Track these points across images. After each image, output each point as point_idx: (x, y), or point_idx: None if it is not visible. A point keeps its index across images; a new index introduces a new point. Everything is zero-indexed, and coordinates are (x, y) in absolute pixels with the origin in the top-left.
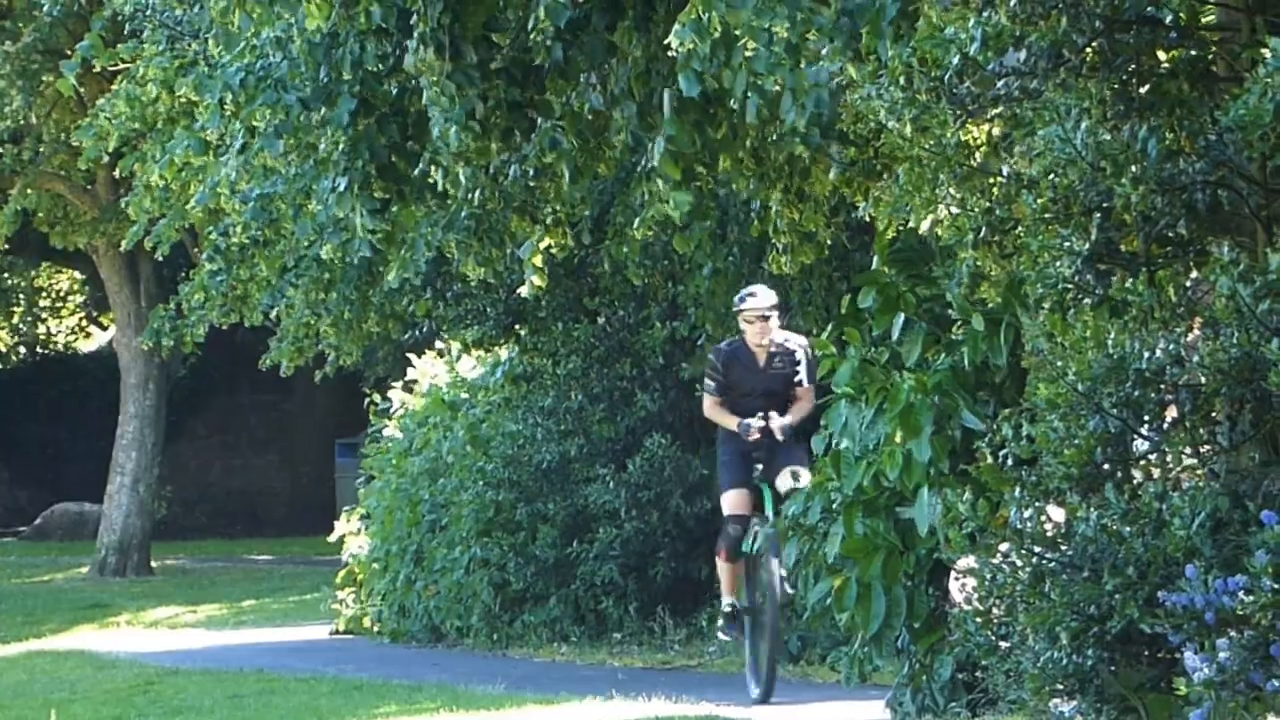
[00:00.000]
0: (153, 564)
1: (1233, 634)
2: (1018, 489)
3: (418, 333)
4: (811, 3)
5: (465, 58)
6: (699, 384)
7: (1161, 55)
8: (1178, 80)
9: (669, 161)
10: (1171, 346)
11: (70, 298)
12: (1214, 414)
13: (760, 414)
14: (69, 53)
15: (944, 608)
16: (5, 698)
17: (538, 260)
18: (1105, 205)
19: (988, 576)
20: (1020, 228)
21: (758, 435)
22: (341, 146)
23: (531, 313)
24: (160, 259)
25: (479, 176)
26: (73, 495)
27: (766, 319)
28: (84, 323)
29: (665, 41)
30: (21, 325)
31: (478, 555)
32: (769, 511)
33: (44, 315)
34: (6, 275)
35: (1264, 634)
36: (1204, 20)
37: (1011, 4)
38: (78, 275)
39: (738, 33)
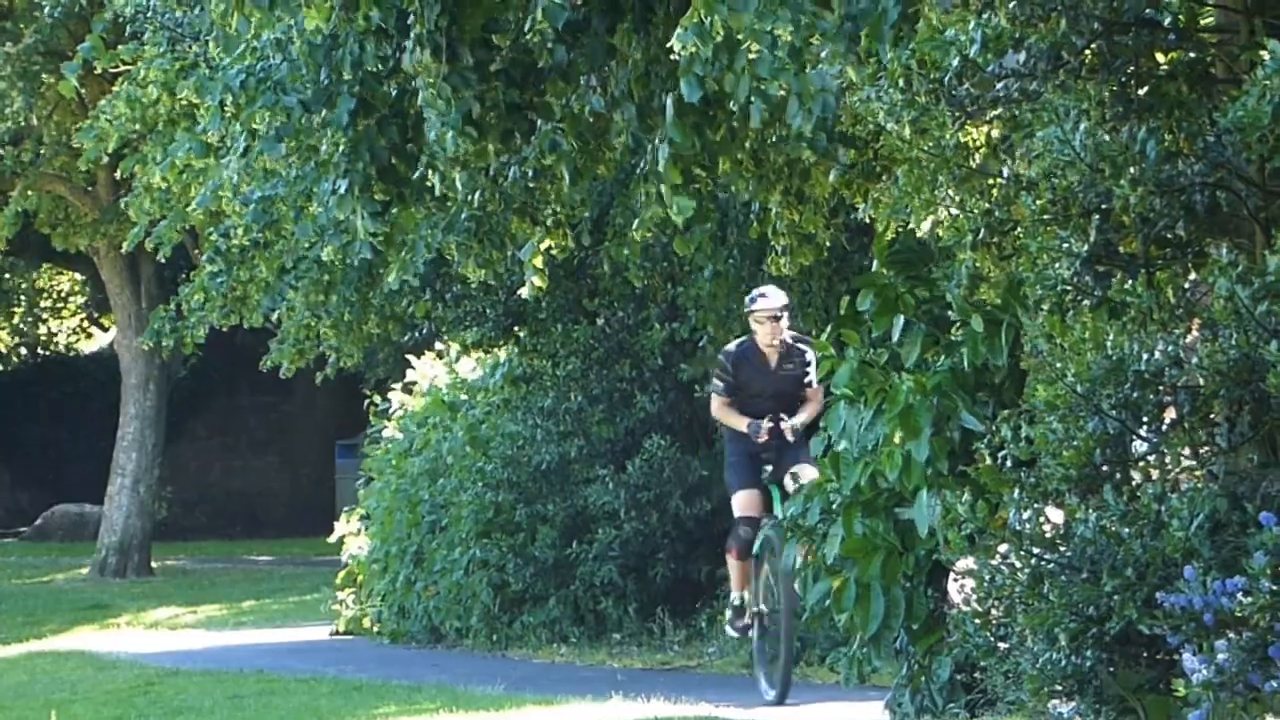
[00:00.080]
0: (153, 565)
1: (1231, 635)
2: (1017, 490)
3: (417, 334)
4: (815, 6)
5: (462, 60)
6: (698, 385)
7: (1160, 57)
8: (1176, 82)
9: (672, 166)
10: (1170, 348)
11: (71, 299)
12: (1212, 415)
13: (770, 415)
14: (70, 54)
15: (943, 609)
16: (6, 698)
17: (538, 262)
18: (1104, 207)
19: (987, 578)
20: (1019, 229)
21: (767, 436)
22: (342, 148)
23: (531, 314)
24: (162, 260)
25: (478, 178)
26: (73, 496)
27: (777, 319)
28: (85, 324)
29: (666, 44)
30: (23, 326)
31: (477, 556)
32: (778, 512)
33: (45, 316)
34: (7, 276)
35: (1262, 635)
36: (1203, 22)
37: (1011, 6)
38: (78, 276)
39: (740, 37)
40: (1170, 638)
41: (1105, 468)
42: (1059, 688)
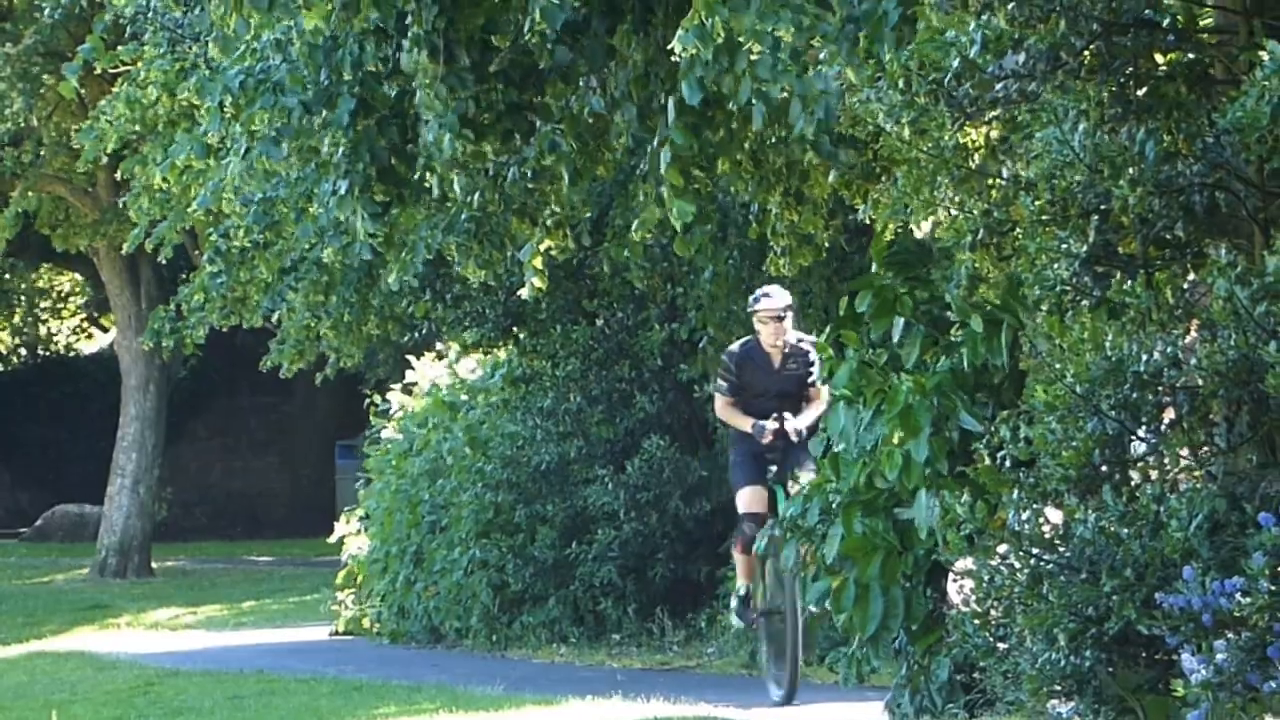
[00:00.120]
0: (153, 565)
1: (1230, 635)
2: (1016, 491)
3: (417, 335)
4: (816, 9)
5: (459, 61)
6: (697, 385)
7: (1159, 58)
8: (1175, 83)
9: (674, 169)
10: (1169, 349)
11: (71, 299)
12: (1211, 416)
13: (774, 415)
14: (70, 55)
15: (942, 609)
16: (6, 699)
17: (538, 262)
18: (1103, 207)
19: (986, 578)
20: (1018, 230)
21: (771, 437)
22: (342, 149)
23: (530, 315)
24: (162, 261)
25: (479, 180)
26: (73, 497)
27: (781, 319)
28: (85, 324)
29: (666, 45)
30: (23, 327)
31: (477, 556)
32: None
33: (45, 317)
34: (8, 277)
35: (1261, 635)
36: (1202, 23)
37: (1010, 7)
38: (79, 277)
39: (740, 39)
40: (1169, 638)
41: (1104, 468)
42: (1058, 688)
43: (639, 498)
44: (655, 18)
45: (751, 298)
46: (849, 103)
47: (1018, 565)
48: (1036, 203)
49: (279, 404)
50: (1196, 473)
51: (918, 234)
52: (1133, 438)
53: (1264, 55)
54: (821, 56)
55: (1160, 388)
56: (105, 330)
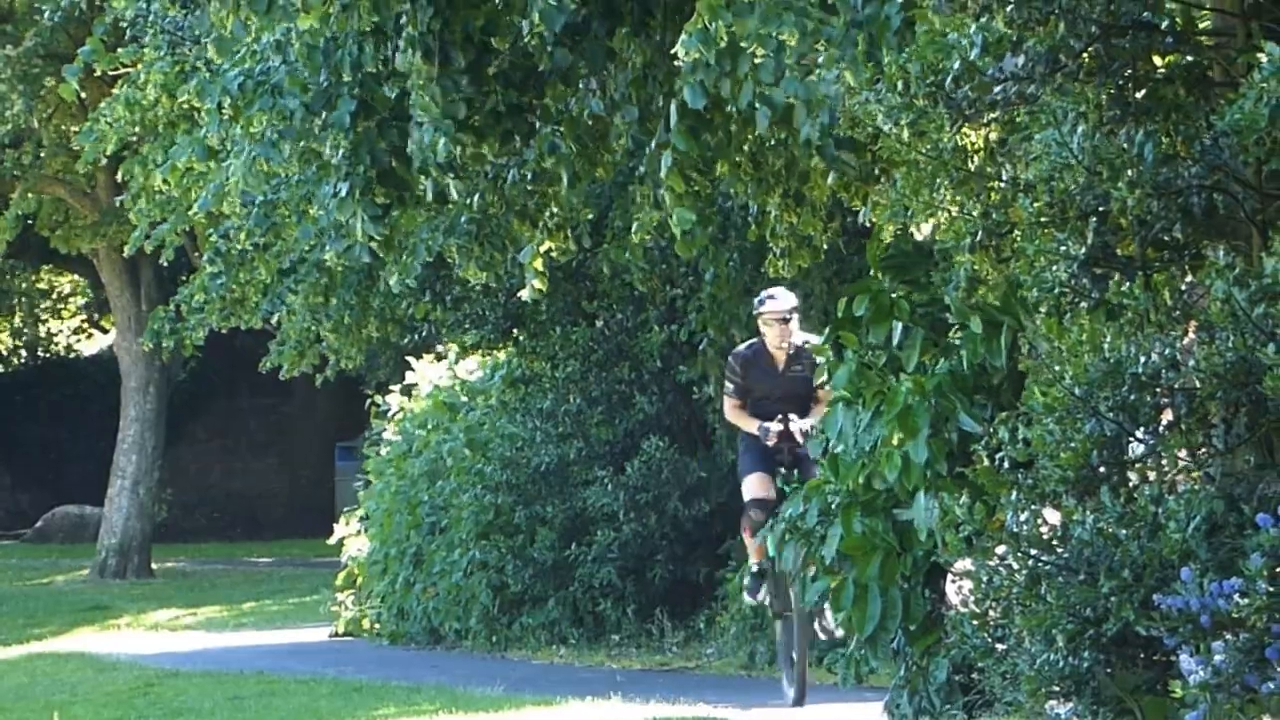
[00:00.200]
0: (153, 566)
1: (1228, 637)
2: (1014, 492)
3: (417, 336)
4: (820, 13)
5: (454, 62)
6: (697, 387)
7: (1158, 60)
8: (1174, 85)
9: (675, 175)
10: (1167, 350)
11: (71, 301)
12: (1209, 418)
13: (779, 417)
14: (70, 57)
15: (940, 610)
16: (6, 700)
17: (538, 264)
18: (1101, 209)
19: (984, 579)
20: (1017, 232)
21: (775, 439)
22: (342, 151)
23: (530, 316)
24: (164, 264)
25: (479, 181)
26: (73, 498)
27: (786, 321)
28: (85, 326)
29: (664, 47)
30: (23, 328)
31: (476, 558)
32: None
33: (45, 318)
34: (8, 278)
35: (1259, 636)
36: (1200, 26)
37: (1009, 9)
38: (79, 278)
39: (743, 44)
40: (1167, 639)
41: (1102, 469)
42: (1056, 689)
43: (638, 499)
44: (654, 20)
45: (757, 299)
46: (848, 105)
47: (1016, 566)
48: (1035, 205)
49: (278, 405)
50: (1194, 474)
51: (918, 236)
52: (1131, 439)
53: (1262, 57)
54: (820, 60)
55: (1158, 389)
56: (105, 332)
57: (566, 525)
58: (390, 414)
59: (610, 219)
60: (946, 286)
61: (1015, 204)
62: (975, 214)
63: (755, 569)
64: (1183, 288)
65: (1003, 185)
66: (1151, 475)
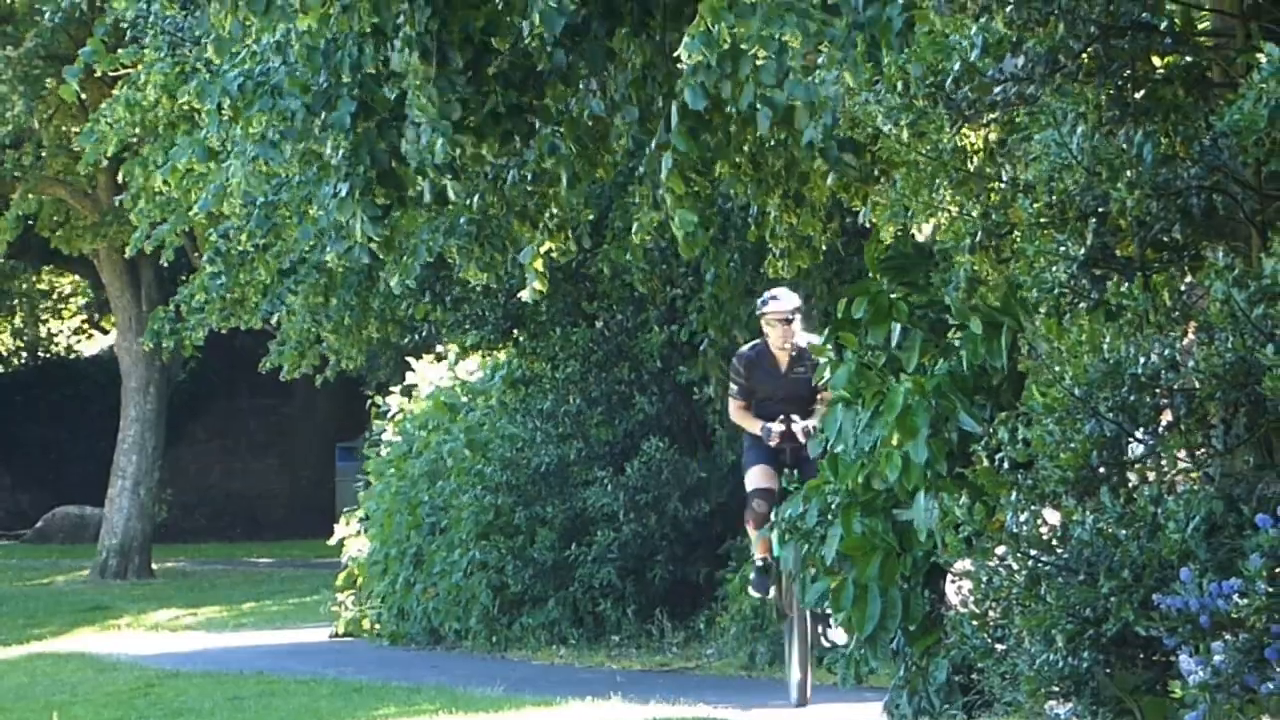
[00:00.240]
0: (153, 566)
1: (1227, 637)
2: (1014, 492)
3: (417, 337)
4: (823, 15)
5: (451, 63)
6: (697, 388)
7: (1157, 61)
8: (1173, 86)
9: (676, 176)
10: (1166, 351)
11: (71, 301)
12: (1209, 418)
13: (781, 418)
14: (71, 58)
15: (940, 610)
16: (7, 700)
17: (538, 265)
18: (1101, 210)
19: (984, 579)
20: (1017, 232)
21: (778, 440)
22: (342, 152)
23: (530, 317)
24: (164, 264)
25: (476, 183)
26: (74, 498)
27: (789, 322)
28: (85, 326)
29: (664, 48)
30: (24, 328)
31: (476, 558)
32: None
33: (45, 318)
34: (8, 278)
35: (1258, 637)
36: (1199, 26)
37: (1008, 10)
38: (79, 279)
39: (744, 46)
40: (1167, 639)
41: (1102, 470)
42: (1056, 689)
43: (638, 499)
44: (654, 20)
45: (760, 300)
46: (848, 105)
47: (1016, 567)
48: (1035, 205)
49: (278, 406)
50: (1194, 474)
51: (918, 237)
52: (1130, 440)
53: (1261, 58)
54: (820, 61)
55: (1158, 390)
56: (105, 332)
57: (566, 526)
58: (390, 414)
59: (610, 219)
60: (946, 287)
61: (1015, 205)
62: (975, 214)
63: (760, 563)
64: (1182, 288)
65: (1002, 186)
66: (1151, 476)
